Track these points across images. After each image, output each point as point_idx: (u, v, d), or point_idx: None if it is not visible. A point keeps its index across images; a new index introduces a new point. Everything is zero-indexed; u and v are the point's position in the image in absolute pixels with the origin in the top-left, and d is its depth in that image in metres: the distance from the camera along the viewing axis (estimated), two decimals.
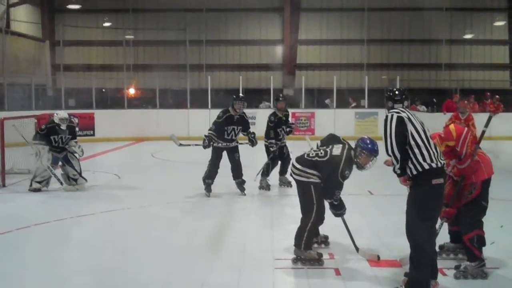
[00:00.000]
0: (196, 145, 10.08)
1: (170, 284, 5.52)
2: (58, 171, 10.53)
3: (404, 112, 5.14)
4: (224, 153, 9.82)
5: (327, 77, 24.75)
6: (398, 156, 5.01)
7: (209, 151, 9.75)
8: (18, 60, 25.09)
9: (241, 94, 10.06)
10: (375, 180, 10.33)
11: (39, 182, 10.28)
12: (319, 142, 6.44)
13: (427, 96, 24.39)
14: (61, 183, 10.34)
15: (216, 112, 10.01)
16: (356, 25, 28.62)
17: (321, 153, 5.94)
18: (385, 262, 5.94)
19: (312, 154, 6.00)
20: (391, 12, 28.42)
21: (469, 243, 5.54)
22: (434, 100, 23.89)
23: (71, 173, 10.42)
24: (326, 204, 6.02)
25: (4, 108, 19.38)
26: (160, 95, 22.70)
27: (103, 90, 25.60)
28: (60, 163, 10.53)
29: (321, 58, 28.65)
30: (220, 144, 9.65)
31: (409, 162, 5.05)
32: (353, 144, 5.96)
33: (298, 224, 6.06)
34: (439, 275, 5.31)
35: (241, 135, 9.94)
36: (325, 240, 6.63)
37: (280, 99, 10.77)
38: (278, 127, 10.46)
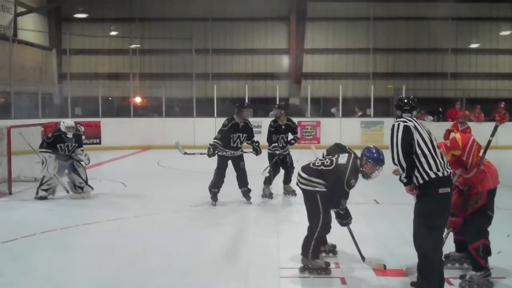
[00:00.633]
0: (201, 153, 10.06)
1: None
2: (65, 179, 10.56)
3: (411, 121, 5.16)
4: (229, 162, 9.81)
5: (333, 86, 24.76)
6: (405, 165, 5.02)
7: (214, 159, 9.75)
8: (25, 69, 25.17)
9: (247, 102, 10.03)
10: (381, 189, 10.32)
11: (46, 190, 10.30)
12: (324, 151, 6.44)
13: (433, 105, 24.34)
14: (67, 191, 10.37)
15: (222, 121, 9.96)
16: (362, 34, 28.63)
17: (327, 162, 5.94)
18: (391, 271, 5.93)
19: (318, 163, 6.00)
20: (397, 22, 28.40)
21: (475, 253, 5.52)
22: (440, 109, 23.84)
23: (77, 181, 10.44)
24: (333, 213, 6.02)
25: (11, 116, 19.45)
26: (166, 103, 22.75)
27: (110, 98, 25.67)
28: (66, 171, 10.55)
29: (327, 67, 28.62)
30: (225, 153, 9.64)
31: (416, 171, 5.05)
32: (358, 153, 5.97)
33: (304, 232, 6.05)
34: (445, 285, 5.29)
35: (245, 144, 9.94)
36: (333, 249, 6.62)
37: (276, 107, 10.83)
38: (277, 133, 10.47)
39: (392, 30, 28.52)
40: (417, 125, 5.14)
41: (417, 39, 28.39)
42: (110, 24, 28.86)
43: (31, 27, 26.66)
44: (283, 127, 10.57)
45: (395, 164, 5.12)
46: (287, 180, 10.70)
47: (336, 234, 6.36)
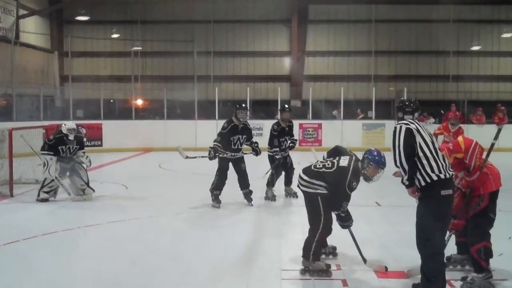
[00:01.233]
0: (202, 157, 10.10)
1: None
2: (66, 182, 10.56)
3: (413, 123, 5.17)
4: (230, 164, 9.84)
5: (335, 89, 24.82)
6: (406, 167, 5.02)
7: (215, 161, 9.77)
8: (26, 71, 25.23)
9: (243, 104, 10.08)
10: (383, 191, 10.31)
11: (47, 192, 10.30)
12: (325, 153, 6.44)
13: (434, 107, 24.33)
14: (69, 193, 10.37)
15: (223, 123, 10.02)
16: (363, 36, 28.66)
17: (328, 164, 5.94)
18: (392, 273, 5.92)
19: (319, 165, 6.00)
20: (399, 24, 28.42)
21: (476, 255, 5.51)
22: (442, 111, 23.75)
23: (79, 183, 10.44)
24: (334, 215, 6.01)
25: (13, 119, 19.46)
26: (168, 106, 22.76)
27: (111, 100, 25.72)
28: (68, 173, 10.56)
29: (328, 70, 28.63)
30: (226, 155, 9.66)
31: (418, 174, 5.05)
32: (360, 155, 5.96)
33: (306, 234, 6.05)
34: (447, 287, 5.28)
35: (244, 145, 9.98)
36: (333, 251, 6.61)
37: (286, 110, 10.79)
38: (281, 136, 10.46)
39: (394, 32, 28.56)
40: (419, 127, 5.14)
41: (419, 41, 28.43)
42: (112, 27, 28.93)
43: (33, 30, 26.72)
44: (287, 129, 10.60)
45: (397, 167, 5.12)
46: (287, 181, 10.71)
47: (336, 236, 6.37)
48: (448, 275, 5.51)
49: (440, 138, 12.06)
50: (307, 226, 6.06)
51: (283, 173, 10.72)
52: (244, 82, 27.51)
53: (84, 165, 10.53)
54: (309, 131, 21.56)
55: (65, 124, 10.39)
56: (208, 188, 9.88)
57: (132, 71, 27.45)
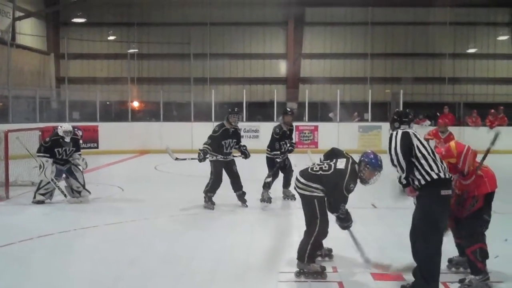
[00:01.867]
0: (192, 159, 10.14)
1: None
2: (62, 184, 10.54)
3: (410, 129, 5.24)
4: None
5: (331, 91, 24.82)
6: (404, 165, 5.04)
7: (209, 164, 9.86)
8: (23, 73, 25.20)
9: (236, 108, 10.12)
10: (379, 194, 10.30)
11: (43, 195, 10.28)
12: (322, 156, 6.44)
13: (430, 110, 24.40)
14: (65, 196, 10.35)
15: None
16: (359, 39, 28.72)
17: (325, 167, 5.94)
18: (389, 276, 5.92)
19: (316, 168, 6.00)
20: (395, 26, 28.49)
21: (472, 256, 5.52)
22: (438, 114, 23.85)
23: (75, 185, 10.43)
24: (331, 217, 6.01)
25: (9, 121, 19.38)
26: (164, 108, 22.77)
27: (107, 103, 25.67)
28: (64, 175, 10.54)
29: (324, 72, 28.69)
30: (219, 158, 9.77)
31: (417, 173, 5.09)
32: (356, 157, 5.97)
33: (302, 237, 6.05)
34: None
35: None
36: (328, 253, 6.61)
37: (289, 113, 10.77)
38: (281, 140, 10.46)
39: (390, 35, 28.62)
40: (415, 132, 5.21)
41: (415, 44, 28.51)
42: (108, 29, 28.91)
43: (29, 32, 26.69)
44: (288, 132, 10.63)
45: (394, 166, 5.14)
46: (286, 184, 10.69)
47: (332, 238, 6.35)
48: (446, 277, 5.54)
49: (432, 142, 11.99)
50: (303, 228, 6.06)
51: (280, 175, 10.72)
52: (241, 84, 27.55)
53: (80, 167, 10.52)
54: (305, 133, 21.57)
55: (61, 126, 10.37)
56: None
57: (129, 73, 27.46)
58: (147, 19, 28.65)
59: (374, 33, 28.49)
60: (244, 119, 20.78)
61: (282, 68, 29.18)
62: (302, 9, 28.42)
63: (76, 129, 10.67)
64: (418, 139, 5.16)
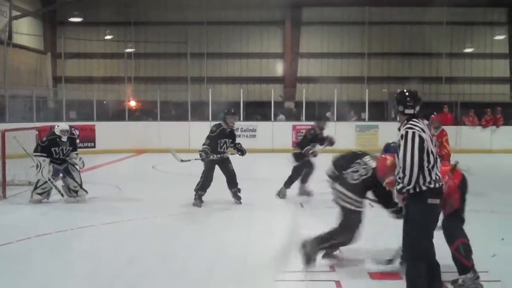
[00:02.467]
0: (196, 159, 10.28)
1: None
2: (59, 183, 10.53)
3: (419, 124, 4.95)
4: (216, 166, 10.11)
5: (328, 90, 24.80)
6: (414, 175, 4.79)
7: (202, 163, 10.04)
8: (19, 72, 25.18)
9: (232, 110, 10.31)
10: None
11: (40, 194, 10.27)
12: (333, 157, 6.56)
13: (427, 109, 24.40)
14: (62, 195, 10.34)
15: None
16: (356, 38, 28.75)
17: (363, 171, 6.08)
18: (387, 275, 5.94)
19: (355, 177, 6.10)
20: (392, 26, 28.53)
21: (457, 253, 5.47)
22: (435, 113, 23.82)
23: (72, 185, 10.42)
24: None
25: (5, 120, 19.36)
26: (161, 107, 22.76)
27: (104, 102, 25.65)
28: (61, 175, 10.52)
29: (321, 71, 28.68)
30: (213, 157, 9.92)
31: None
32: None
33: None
34: None
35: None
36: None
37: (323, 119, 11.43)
38: (313, 142, 10.77)
39: (387, 35, 28.67)
40: (425, 129, 4.92)
41: (412, 44, 28.55)
42: (105, 28, 28.86)
43: (26, 31, 26.66)
44: (320, 135, 10.97)
45: (404, 174, 4.83)
46: (304, 180, 10.88)
47: None
48: (446, 276, 5.52)
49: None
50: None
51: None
52: (238, 83, 27.54)
53: (77, 167, 10.51)
54: (302, 132, 21.53)
55: (58, 126, 10.36)
56: None
57: (126, 72, 27.46)
58: (144, 19, 28.64)
59: (371, 32, 28.52)
60: (241, 119, 20.77)
61: (279, 67, 29.19)
62: (299, 9, 28.45)
63: (73, 129, 10.66)
64: (428, 144, 4.84)
